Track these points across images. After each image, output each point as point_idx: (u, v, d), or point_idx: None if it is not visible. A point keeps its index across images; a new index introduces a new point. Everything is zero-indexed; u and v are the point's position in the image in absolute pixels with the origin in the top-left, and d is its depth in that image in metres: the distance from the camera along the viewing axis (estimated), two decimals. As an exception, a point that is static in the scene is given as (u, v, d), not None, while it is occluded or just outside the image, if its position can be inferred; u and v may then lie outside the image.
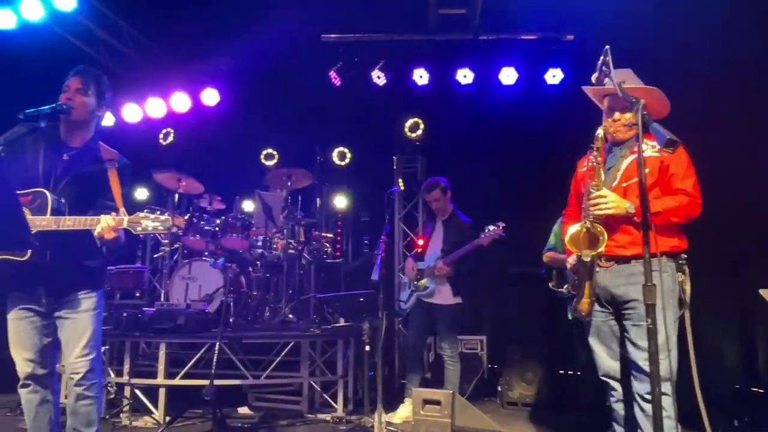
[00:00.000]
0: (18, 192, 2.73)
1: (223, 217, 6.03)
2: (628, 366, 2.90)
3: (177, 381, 4.78)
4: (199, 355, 4.86)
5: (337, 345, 5.20)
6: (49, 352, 2.91)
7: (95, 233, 2.70)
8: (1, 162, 1.95)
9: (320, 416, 5.03)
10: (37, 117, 2.77)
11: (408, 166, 6.93)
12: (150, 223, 2.70)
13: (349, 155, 7.79)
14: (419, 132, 6.98)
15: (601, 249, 2.72)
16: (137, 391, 4.89)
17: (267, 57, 6.74)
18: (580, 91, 3.13)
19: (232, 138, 7.25)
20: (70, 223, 2.72)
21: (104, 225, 2.68)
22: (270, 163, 7.96)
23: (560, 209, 4.77)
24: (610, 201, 2.77)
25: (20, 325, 2.86)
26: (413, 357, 5.20)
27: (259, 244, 6.03)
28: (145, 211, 2.73)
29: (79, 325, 2.86)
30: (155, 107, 7.68)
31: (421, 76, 6.54)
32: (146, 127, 7.78)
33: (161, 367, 4.81)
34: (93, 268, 2.93)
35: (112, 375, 4.94)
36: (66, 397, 2.97)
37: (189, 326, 4.90)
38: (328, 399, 5.20)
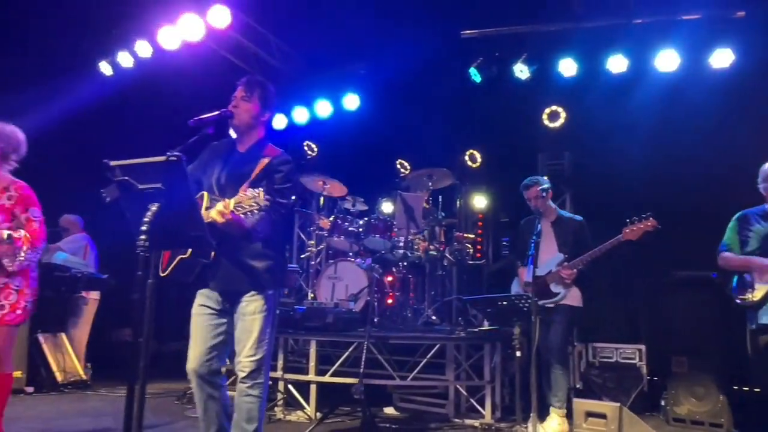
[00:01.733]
0: None
1: (366, 218, 6.10)
2: None
3: (327, 378, 4.89)
4: (347, 353, 4.94)
5: (483, 349, 5.03)
6: (219, 350, 3.00)
7: (207, 219, 2.67)
8: (182, 166, 2.05)
9: (468, 422, 4.90)
10: (205, 123, 2.92)
11: (553, 163, 6.57)
12: (248, 202, 2.59)
13: (480, 158, 7.56)
14: (560, 121, 6.60)
15: None
16: (290, 386, 5.08)
17: (405, 58, 6.75)
18: (755, 73, 2.71)
19: (373, 139, 7.35)
20: (207, 215, 2.74)
21: (215, 209, 2.67)
22: (405, 171, 7.94)
23: (733, 206, 4.27)
24: None
25: (196, 321, 3.01)
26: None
27: (401, 244, 6.03)
28: (250, 191, 2.61)
29: (247, 326, 2.94)
30: (300, 114, 8.02)
31: (567, 67, 6.18)
32: (291, 133, 8.13)
33: (312, 363, 4.95)
34: (260, 269, 2.97)
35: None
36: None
37: (337, 325, 4.99)
38: (475, 404, 5.04)
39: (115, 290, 6.82)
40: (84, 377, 6.21)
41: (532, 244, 4.24)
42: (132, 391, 2.01)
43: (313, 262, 6.61)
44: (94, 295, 6.65)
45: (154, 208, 2.05)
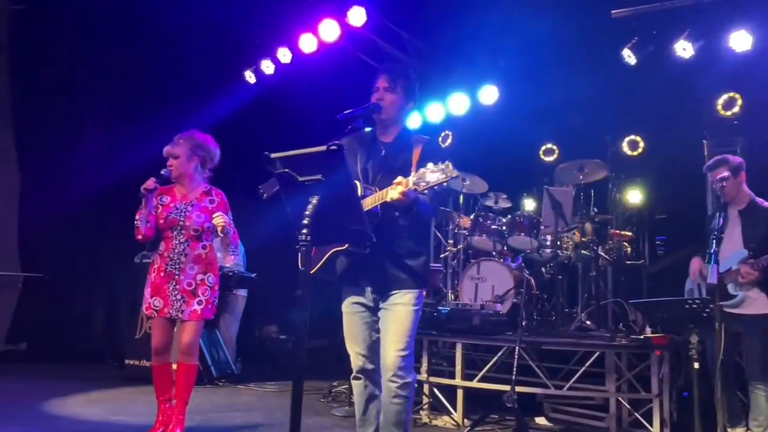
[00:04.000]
0: None
1: (509, 216, 5.78)
2: None
3: (474, 383, 4.65)
4: (495, 358, 4.67)
5: (649, 358, 4.51)
6: (378, 347, 2.93)
7: (387, 199, 2.62)
8: (342, 156, 1.93)
9: (634, 438, 4.43)
10: (354, 117, 2.89)
11: (723, 151, 5.79)
12: (431, 175, 2.50)
13: (642, 144, 6.90)
14: (736, 109, 5.82)
15: None
16: (435, 390, 4.90)
17: (548, 45, 6.35)
18: None
19: (514, 133, 6.97)
20: (370, 201, 2.72)
21: (394, 189, 2.59)
22: (549, 159, 7.49)
23: None
24: None
25: (351, 319, 2.96)
26: (728, 381, 4.18)
27: (548, 243, 5.65)
28: (428, 165, 2.54)
29: (396, 317, 2.83)
30: (434, 111, 7.84)
31: (740, 40, 5.42)
32: (426, 131, 7.98)
33: (458, 368, 4.73)
34: (414, 267, 2.88)
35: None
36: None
37: (483, 328, 4.74)
38: (640, 419, 4.54)
39: (261, 288, 7.12)
40: (236, 372, 6.49)
41: (713, 240, 3.70)
42: (298, 389, 1.93)
43: (452, 263, 6.40)
44: (242, 293, 6.95)
45: (314, 200, 1.94)
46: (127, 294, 7.30)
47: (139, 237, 3.80)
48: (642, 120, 6.54)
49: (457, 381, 4.70)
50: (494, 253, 5.77)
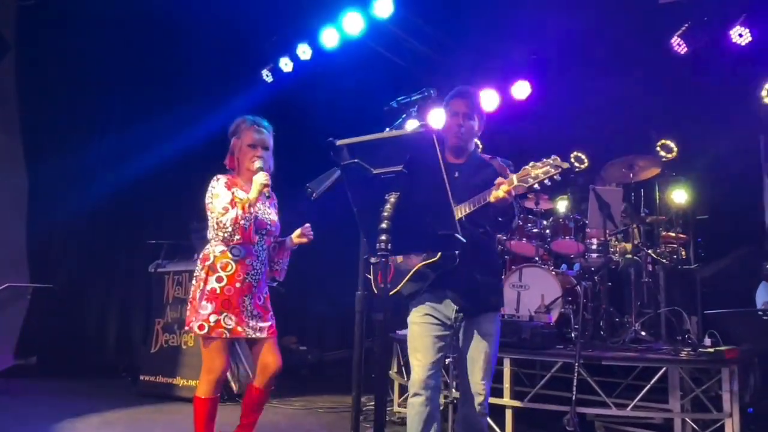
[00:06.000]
0: None
1: (552, 218, 5.37)
2: None
3: (527, 403, 4.22)
4: (549, 375, 4.25)
5: (720, 374, 4.07)
6: (440, 365, 2.89)
7: (491, 199, 2.58)
8: (432, 141, 1.58)
9: (704, 463, 3.99)
10: (409, 105, 2.89)
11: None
12: (538, 171, 2.51)
13: (675, 148, 6.47)
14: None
15: None
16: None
17: (585, 35, 5.96)
18: None
19: (549, 130, 6.57)
20: (468, 209, 2.70)
21: (500, 188, 2.55)
22: (582, 166, 7.05)
23: None
24: None
25: (424, 330, 2.84)
26: None
27: (594, 247, 5.24)
28: (531, 163, 2.56)
29: (484, 346, 2.82)
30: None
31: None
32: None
33: (506, 385, 4.30)
34: (495, 285, 2.91)
35: (455, 391, 4.61)
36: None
37: (534, 341, 4.31)
38: (708, 440, 4.11)
39: (276, 295, 6.72)
40: (257, 387, 6.08)
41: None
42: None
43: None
44: (263, 303, 6.56)
45: (392, 198, 1.54)
46: (141, 305, 6.94)
47: (241, 240, 3.12)
48: (692, 112, 6.13)
49: (506, 400, 4.27)
50: (537, 258, 5.35)
